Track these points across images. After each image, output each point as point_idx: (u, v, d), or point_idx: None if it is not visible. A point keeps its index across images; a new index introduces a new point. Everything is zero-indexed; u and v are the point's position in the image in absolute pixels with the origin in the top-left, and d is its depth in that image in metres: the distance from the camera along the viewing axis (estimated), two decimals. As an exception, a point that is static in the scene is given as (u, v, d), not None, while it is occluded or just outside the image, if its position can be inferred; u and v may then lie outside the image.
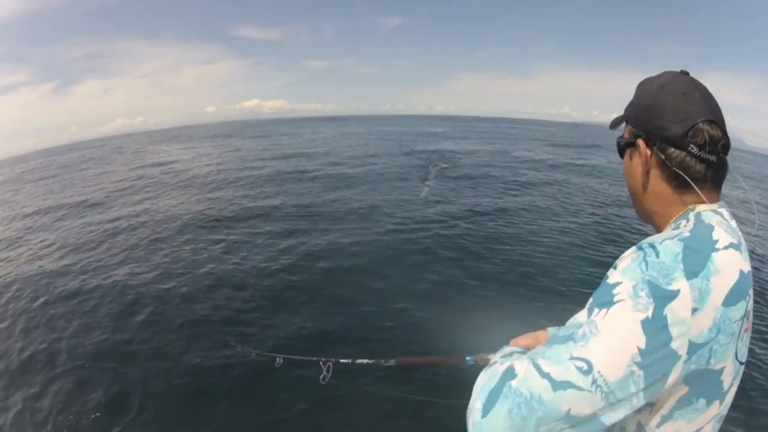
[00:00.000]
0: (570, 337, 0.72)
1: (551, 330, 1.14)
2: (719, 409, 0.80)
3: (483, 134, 36.99)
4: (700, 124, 0.79)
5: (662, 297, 0.68)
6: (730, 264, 0.74)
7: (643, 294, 0.69)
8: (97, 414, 3.52)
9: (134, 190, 13.18)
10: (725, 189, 0.86)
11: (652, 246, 0.74)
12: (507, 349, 1.05)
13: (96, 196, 12.73)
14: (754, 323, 0.85)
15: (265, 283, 5.56)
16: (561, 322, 0.90)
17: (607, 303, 0.71)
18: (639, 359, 0.67)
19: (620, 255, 0.79)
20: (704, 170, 0.81)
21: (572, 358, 0.69)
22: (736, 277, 0.74)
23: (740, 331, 0.76)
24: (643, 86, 0.90)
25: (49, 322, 4.97)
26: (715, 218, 0.80)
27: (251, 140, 34.02)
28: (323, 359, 1.60)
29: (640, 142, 0.86)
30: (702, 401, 0.76)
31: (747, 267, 0.77)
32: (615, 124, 0.97)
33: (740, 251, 0.77)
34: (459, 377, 1.34)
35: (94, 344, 4.45)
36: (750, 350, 0.90)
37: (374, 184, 11.50)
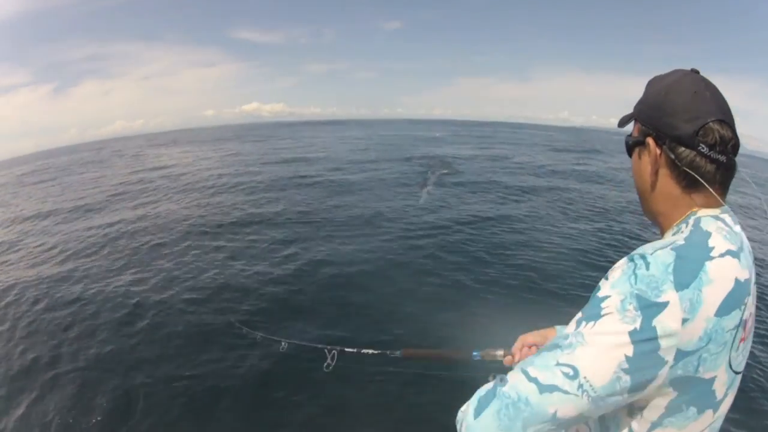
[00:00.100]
0: (557, 346, 0.74)
1: (559, 328, 1.16)
2: (713, 418, 0.79)
3: (482, 138, 37.10)
4: (711, 124, 0.77)
5: (651, 309, 0.68)
6: (724, 273, 0.73)
7: (630, 307, 0.69)
8: (100, 418, 3.50)
9: (134, 194, 13.16)
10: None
11: (643, 257, 0.73)
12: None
13: (96, 200, 12.73)
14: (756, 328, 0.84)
15: (269, 288, 5.54)
16: (566, 322, 0.92)
17: (595, 316, 0.72)
18: (626, 366, 0.68)
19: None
20: (714, 171, 0.79)
21: (558, 364, 0.71)
22: (730, 286, 0.72)
23: (734, 341, 0.75)
24: (653, 84, 0.89)
25: (50, 327, 4.94)
26: (715, 224, 0.78)
27: (251, 144, 34.07)
28: (328, 347, 1.63)
29: (650, 141, 0.85)
30: (693, 409, 0.76)
31: (745, 275, 0.76)
32: (624, 122, 0.95)
33: (739, 258, 0.75)
34: (464, 371, 1.37)
35: (97, 349, 4.43)
36: (750, 353, 0.90)
37: (375, 190, 11.50)
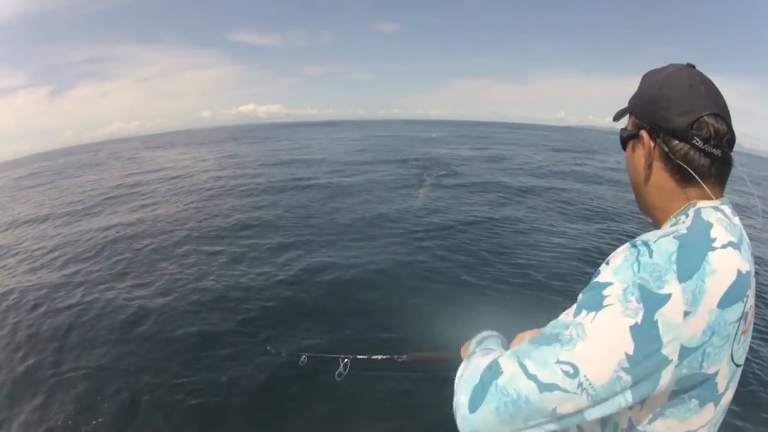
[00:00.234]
0: (557, 339, 0.73)
1: None
2: (714, 412, 0.78)
3: (479, 139, 37.14)
4: (706, 118, 0.77)
5: (653, 302, 0.67)
6: (727, 264, 0.72)
7: (633, 299, 0.68)
8: (104, 424, 3.48)
9: (131, 197, 13.10)
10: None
11: (646, 244, 0.72)
12: (483, 334, 1.12)
13: (93, 203, 12.68)
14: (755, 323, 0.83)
15: (272, 292, 5.51)
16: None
17: (596, 306, 0.71)
18: (626, 365, 0.67)
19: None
20: (708, 164, 0.79)
21: (559, 362, 0.70)
22: (733, 277, 0.71)
23: (737, 333, 0.74)
24: (648, 77, 0.89)
25: (51, 332, 4.90)
26: (715, 215, 0.78)
27: (248, 145, 34.01)
28: (342, 356, 1.67)
29: (644, 134, 0.85)
30: (694, 402, 0.75)
31: (746, 267, 0.75)
32: (619, 116, 0.94)
33: (740, 250, 0.74)
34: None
35: (99, 354, 4.40)
36: (750, 347, 0.91)
37: (373, 193, 11.47)
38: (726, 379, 0.76)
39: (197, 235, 8.20)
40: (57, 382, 4.03)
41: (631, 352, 0.67)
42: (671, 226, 0.81)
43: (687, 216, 0.79)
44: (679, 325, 0.67)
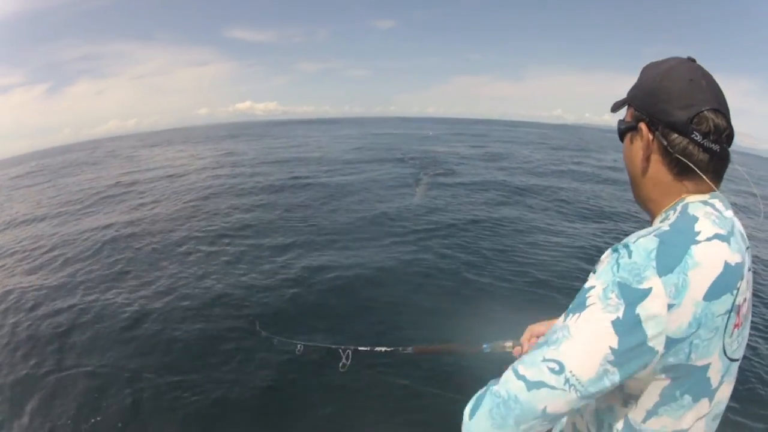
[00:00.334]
0: (545, 342, 0.75)
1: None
2: (709, 407, 0.79)
3: (476, 137, 37.04)
4: (706, 112, 0.76)
5: (633, 296, 0.68)
6: (712, 256, 0.72)
7: (612, 296, 0.69)
8: (104, 425, 3.47)
9: (130, 195, 13.06)
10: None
11: (626, 246, 0.74)
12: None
13: (91, 202, 12.62)
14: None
15: (275, 291, 5.51)
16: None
17: (580, 307, 0.73)
18: (612, 358, 0.69)
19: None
20: (707, 159, 0.78)
21: (545, 360, 0.73)
22: (719, 269, 0.72)
23: (727, 326, 0.74)
24: (648, 70, 0.87)
25: (51, 333, 4.88)
26: (703, 209, 0.78)
27: (245, 143, 33.87)
28: (342, 347, 1.64)
29: (643, 126, 0.84)
30: (687, 398, 0.76)
31: (736, 258, 0.74)
32: (617, 107, 0.93)
33: (728, 242, 0.74)
34: (475, 365, 1.41)
35: (100, 354, 4.40)
36: (749, 343, 0.93)
37: (372, 192, 11.47)
38: (719, 374, 0.77)
39: (197, 234, 8.17)
40: (58, 382, 4.02)
41: (615, 345, 0.68)
42: (661, 221, 0.82)
43: (675, 211, 0.80)
44: (663, 317, 0.68)
